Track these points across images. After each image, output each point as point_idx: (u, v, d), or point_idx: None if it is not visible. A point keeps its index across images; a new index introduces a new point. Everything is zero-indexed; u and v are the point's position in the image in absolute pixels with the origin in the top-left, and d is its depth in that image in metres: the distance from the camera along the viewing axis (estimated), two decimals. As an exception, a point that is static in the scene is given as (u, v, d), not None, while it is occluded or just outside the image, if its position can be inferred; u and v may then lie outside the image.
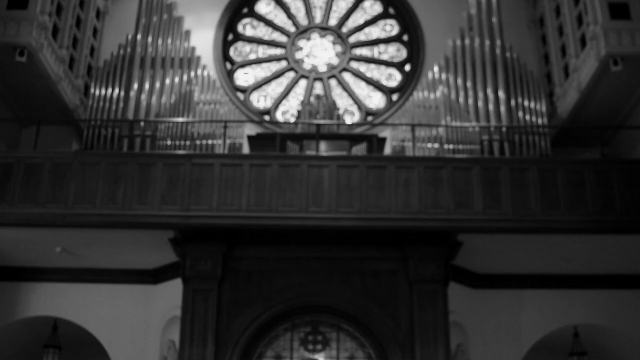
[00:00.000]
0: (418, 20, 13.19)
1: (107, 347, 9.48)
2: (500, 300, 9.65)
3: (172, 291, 9.09)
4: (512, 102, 11.00)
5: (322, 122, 10.76)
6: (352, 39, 13.46)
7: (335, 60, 13.28)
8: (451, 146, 10.44)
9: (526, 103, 11.05)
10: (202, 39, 12.64)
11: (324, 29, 13.52)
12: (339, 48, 13.39)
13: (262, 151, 10.36)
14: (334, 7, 13.73)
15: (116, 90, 11.07)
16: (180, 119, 10.54)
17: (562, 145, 11.18)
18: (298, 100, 12.86)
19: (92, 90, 11.16)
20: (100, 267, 9.71)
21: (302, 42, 13.42)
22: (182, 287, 8.70)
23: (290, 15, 13.60)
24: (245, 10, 13.58)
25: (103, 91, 11.07)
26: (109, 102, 10.98)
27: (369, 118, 12.79)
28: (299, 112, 11.76)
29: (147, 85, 11.10)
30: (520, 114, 10.95)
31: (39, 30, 10.03)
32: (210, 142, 10.54)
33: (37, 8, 10.04)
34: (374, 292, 8.73)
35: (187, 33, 11.89)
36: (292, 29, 13.50)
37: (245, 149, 11.11)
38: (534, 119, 10.94)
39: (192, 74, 11.34)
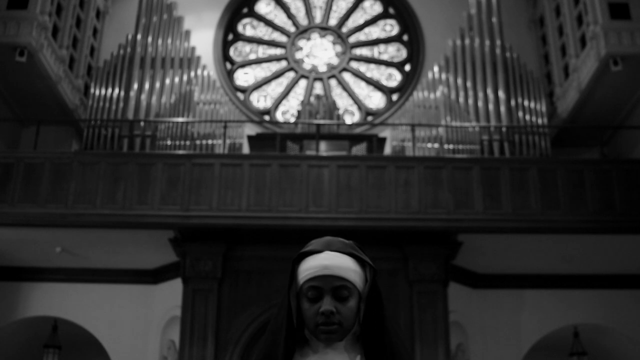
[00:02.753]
0: (418, 20, 13.16)
1: (107, 347, 9.48)
2: (500, 300, 9.64)
3: (172, 291, 9.09)
4: (512, 102, 10.97)
5: (322, 122, 10.74)
6: (352, 39, 13.44)
7: (335, 60, 13.26)
8: (451, 146, 10.42)
9: (526, 103, 11.03)
10: (202, 39, 12.62)
11: (324, 29, 13.51)
12: (339, 48, 13.37)
13: (262, 151, 10.34)
14: (334, 7, 13.71)
15: (116, 90, 11.04)
16: (180, 119, 10.52)
17: (562, 145, 11.16)
18: (298, 100, 12.84)
19: (92, 90, 11.13)
20: (100, 267, 9.70)
21: (302, 42, 13.41)
22: (182, 287, 8.70)
23: (290, 15, 13.59)
24: (245, 10, 13.56)
25: (103, 91, 11.05)
26: (109, 102, 10.95)
27: (369, 118, 12.77)
28: (299, 112, 11.74)
29: (147, 85, 11.07)
30: (520, 114, 10.93)
31: (39, 30, 10.01)
32: (210, 142, 10.52)
33: (37, 8, 10.01)
34: (374, 292, 8.71)
35: (187, 33, 11.88)
36: (292, 29, 13.48)
37: (245, 149, 11.09)
38: (534, 119, 10.92)
39: (192, 74, 11.32)
